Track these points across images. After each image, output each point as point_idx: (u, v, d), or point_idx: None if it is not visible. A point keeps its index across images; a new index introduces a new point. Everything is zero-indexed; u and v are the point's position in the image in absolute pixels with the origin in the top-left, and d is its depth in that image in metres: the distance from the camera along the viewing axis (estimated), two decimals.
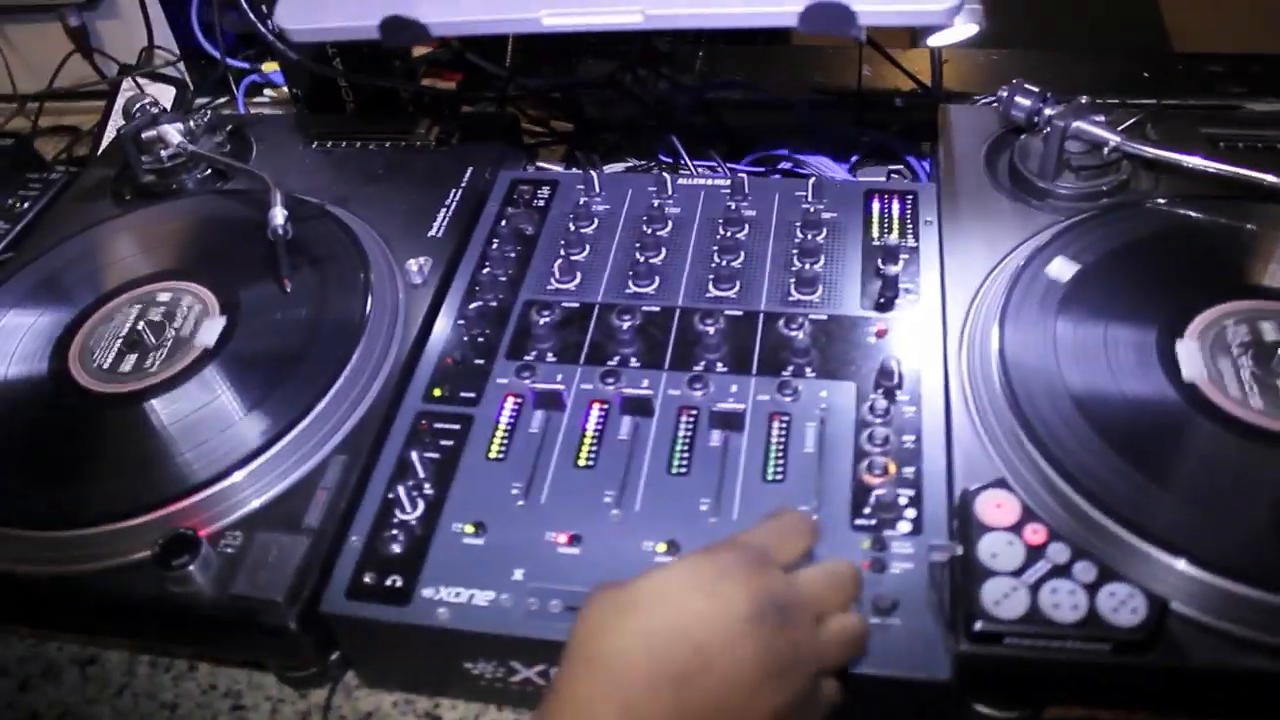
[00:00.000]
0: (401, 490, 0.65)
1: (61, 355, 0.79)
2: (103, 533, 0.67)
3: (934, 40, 0.97)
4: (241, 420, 0.72)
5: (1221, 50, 1.03)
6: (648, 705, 0.47)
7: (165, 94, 1.13)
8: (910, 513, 0.62)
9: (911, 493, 0.62)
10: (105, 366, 0.78)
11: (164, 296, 0.82)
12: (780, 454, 0.65)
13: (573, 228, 0.82)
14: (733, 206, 0.82)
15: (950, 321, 0.71)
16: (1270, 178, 0.73)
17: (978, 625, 0.55)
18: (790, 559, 0.55)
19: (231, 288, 0.82)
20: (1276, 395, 0.63)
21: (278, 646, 0.65)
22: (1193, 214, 0.76)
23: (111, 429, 0.74)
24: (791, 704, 0.50)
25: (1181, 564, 0.56)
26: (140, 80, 1.16)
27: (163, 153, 0.94)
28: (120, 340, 0.80)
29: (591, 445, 0.68)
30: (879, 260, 0.75)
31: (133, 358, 0.78)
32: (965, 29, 0.92)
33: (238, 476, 0.68)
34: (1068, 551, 0.57)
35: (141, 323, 0.80)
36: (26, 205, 1.01)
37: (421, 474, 0.67)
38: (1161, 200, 0.78)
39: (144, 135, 0.94)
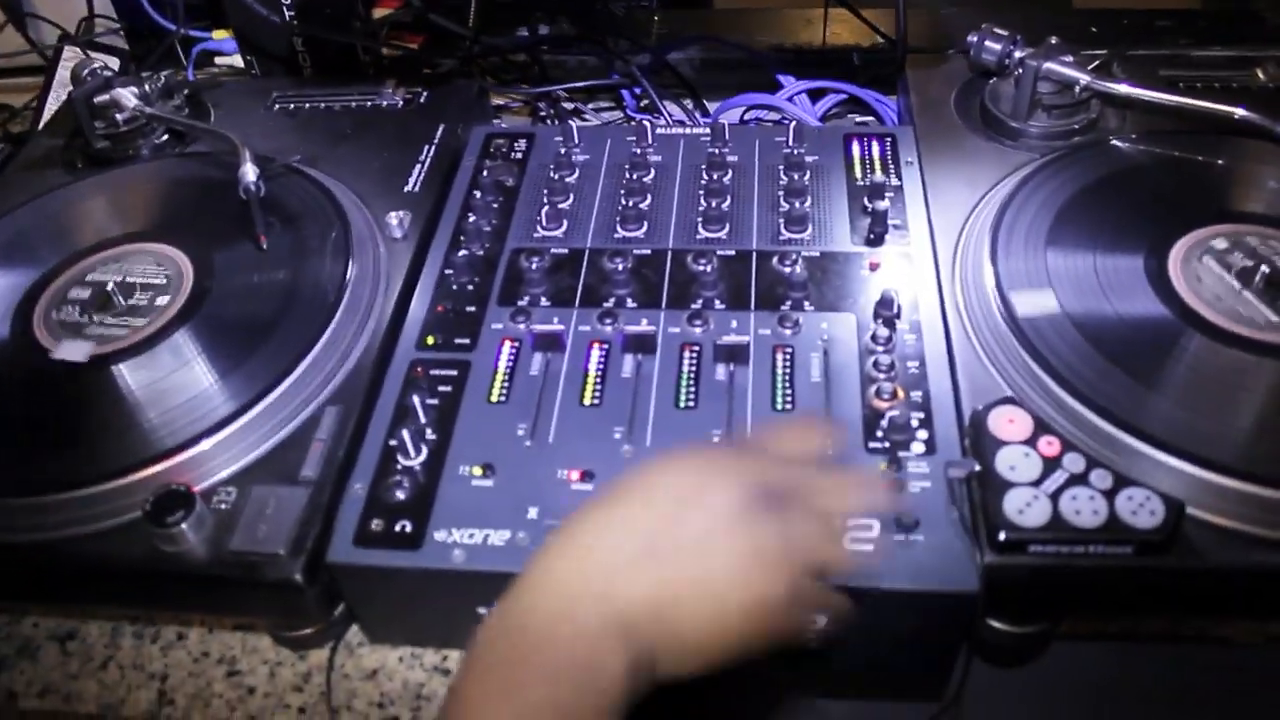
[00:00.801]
0: (406, 434, 0.64)
1: (25, 319, 0.76)
2: (87, 495, 0.64)
3: None
4: (225, 377, 0.70)
5: (1120, 7, 1.06)
6: (625, 588, 0.47)
7: (109, 65, 1.09)
8: (922, 434, 0.62)
9: (921, 415, 0.63)
10: (66, 322, 0.75)
11: (137, 260, 0.79)
12: (787, 384, 0.65)
13: (555, 176, 0.82)
14: (715, 152, 0.82)
15: (941, 255, 0.72)
16: (1239, 110, 0.76)
17: (1003, 535, 0.56)
18: (793, 453, 0.54)
19: (205, 249, 0.79)
20: (1254, 308, 0.65)
21: (282, 603, 0.63)
22: (1160, 149, 0.78)
23: (88, 393, 0.71)
24: (775, 597, 0.48)
25: (1189, 467, 0.57)
26: (83, 49, 1.12)
27: (118, 116, 0.91)
28: (89, 299, 0.76)
29: (596, 384, 0.67)
30: (865, 198, 0.76)
31: (103, 317, 0.75)
32: None
33: (226, 432, 0.66)
34: (1082, 461, 0.58)
35: (111, 284, 0.77)
36: None
37: (423, 419, 0.66)
38: (1133, 136, 0.80)
39: (96, 100, 0.91)
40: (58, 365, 0.72)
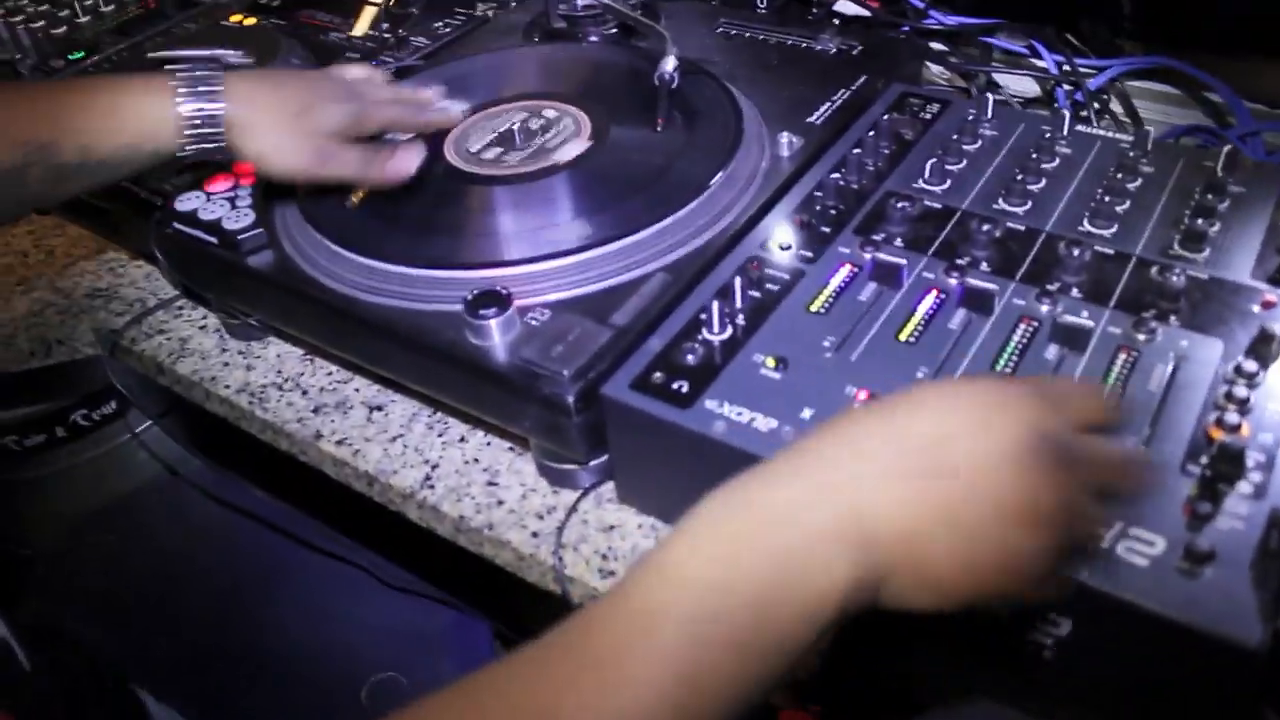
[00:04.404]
0: (715, 307, 0.65)
1: (441, 135, 0.85)
2: (429, 277, 0.71)
3: None
4: (580, 218, 0.75)
5: None
6: (873, 499, 0.44)
7: None
8: (1257, 476, 0.54)
9: (1263, 459, 0.55)
10: (473, 151, 0.82)
11: (548, 113, 0.86)
12: (1120, 383, 0.59)
13: (955, 138, 0.79)
14: (1131, 156, 0.76)
15: None
16: None
17: None
18: (1080, 417, 0.49)
19: (608, 119, 0.85)
20: None
21: (550, 422, 0.66)
22: None
23: (460, 200, 0.79)
24: (1035, 558, 0.44)
25: None
26: None
27: (578, 2, 0.99)
28: (495, 134, 0.84)
29: (919, 325, 0.64)
30: None
31: (498, 150, 0.82)
32: None
33: (561, 262, 0.71)
34: None
35: (518, 124, 0.84)
36: (448, 30, 1.08)
37: (738, 304, 0.67)
38: None
39: None
40: (452, 172, 0.80)
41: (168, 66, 0.73)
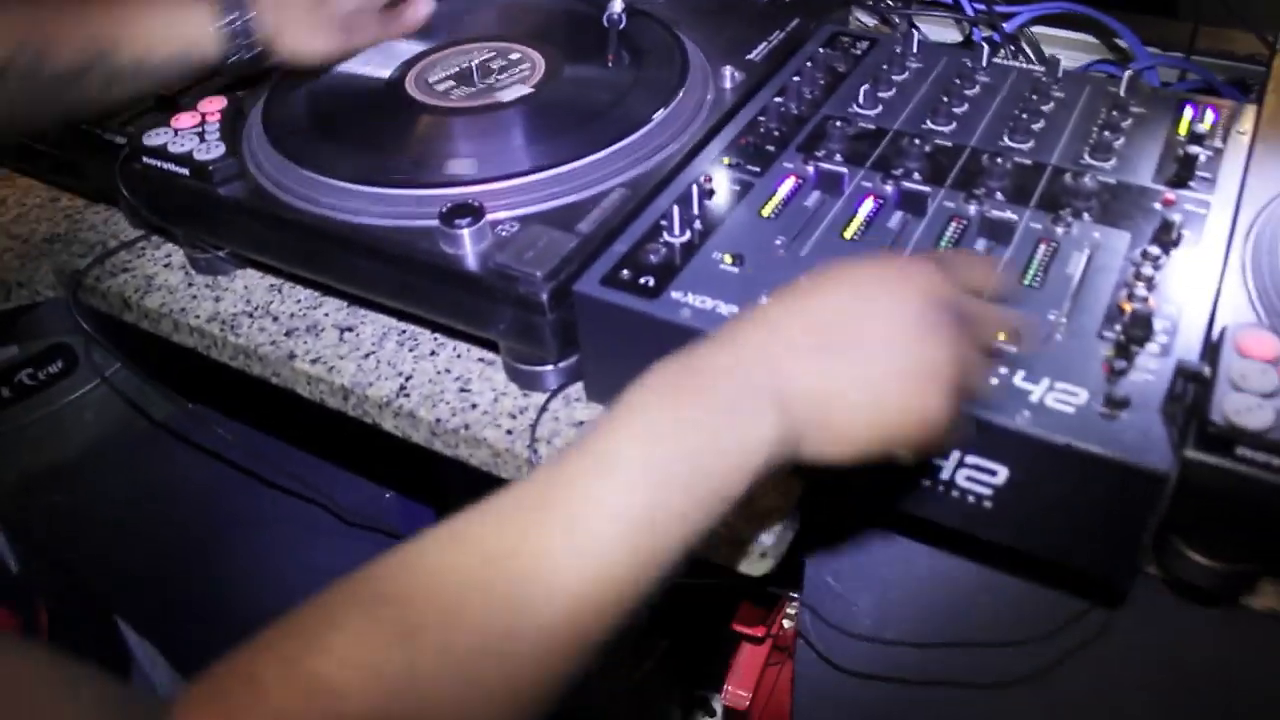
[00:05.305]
0: (676, 210, 0.70)
1: (405, 69, 0.90)
2: (402, 195, 0.76)
3: None
4: (540, 141, 0.80)
5: None
6: (792, 366, 0.51)
7: None
8: (1164, 338, 0.61)
9: (1168, 324, 0.62)
10: (433, 84, 0.87)
11: (516, 58, 0.91)
12: (1042, 268, 0.66)
13: (885, 68, 0.86)
14: (1044, 82, 0.84)
15: (1242, 215, 0.70)
16: None
17: (1212, 426, 0.54)
18: (970, 283, 0.57)
19: (561, 58, 0.90)
20: None
21: (525, 323, 0.71)
22: None
23: (421, 129, 0.84)
24: (932, 410, 0.51)
25: None
26: None
27: None
28: (458, 70, 0.89)
29: (861, 226, 0.71)
30: (1181, 147, 0.75)
31: (456, 85, 0.88)
32: None
33: (526, 179, 0.76)
34: None
35: (476, 62, 0.89)
36: None
37: (695, 210, 0.72)
38: None
39: None
40: (416, 104, 0.85)
41: None
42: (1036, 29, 1.05)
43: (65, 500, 1.25)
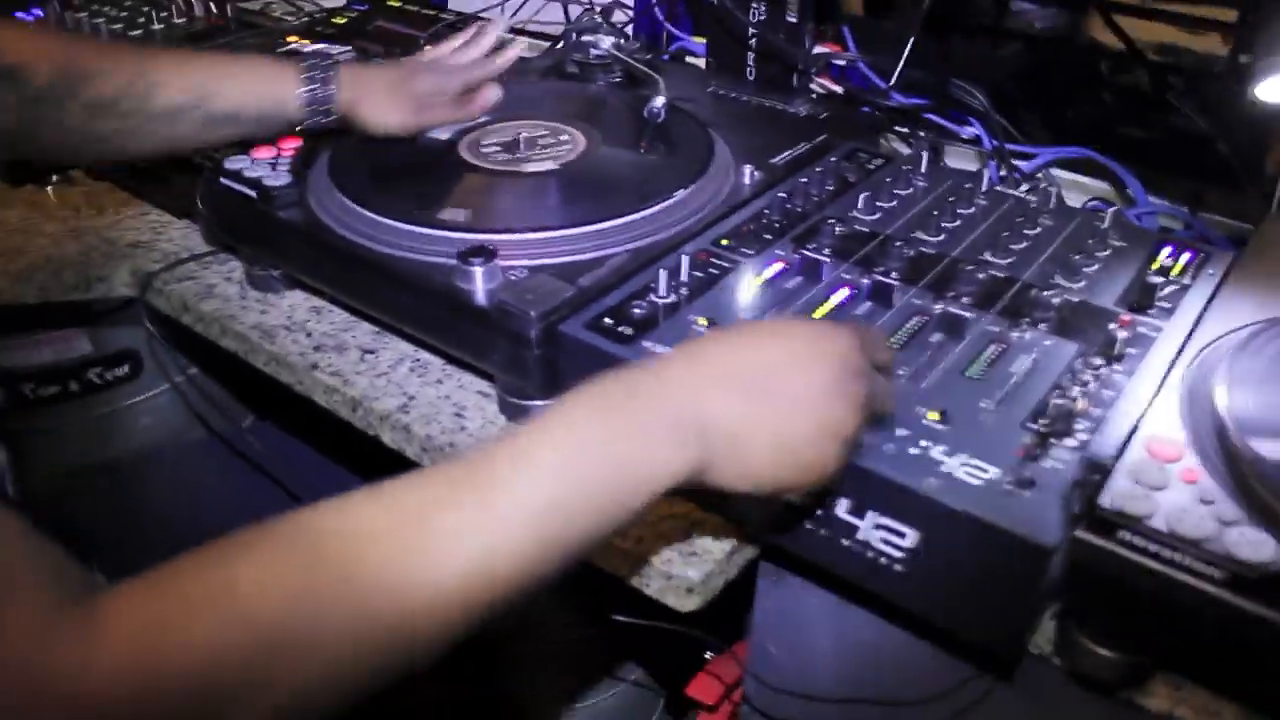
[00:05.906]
0: (663, 275, 0.77)
1: (464, 133, 1.00)
2: (431, 234, 0.85)
3: None
4: (562, 205, 0.89)
5: None
6: (716, 403, 0.57)
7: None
8: (1082, 436, 0.66)
9: (1091, 425, 0.66)
10: (483, 149, 0.97)
11: (563, 137, 1.01)
12: (988, 366, 0.71)
13: (890, 181, 0.93)
14: (1035, 207, 0.90)
15: (1191, 345, 0.74)
16: None
17: (1099, 510, 0.58)
18: (874, 356, 0.64)
19: (601, 140, 1.00)
20: None
21: (514, 354, 0.78)
22: None
23: (460, 183, 0.94)
24: (830, 466, 0.59)
25: None
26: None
27: (592, 51, 1.15)
28: (505, 140, 0.99)
29: (830, 310, 0.77)
30: (1147, 276, 0.80)
31: (498, 150, 0.97)
32: None
33: (542, 235, 0.84)
34: (1219, 493, 0.59)
35: (524, 135, 0.99)
36: None
37: (684, 278, 0.79)
38: None
39: (583, 37, 1.16)
40: (462, 163, 0.95)
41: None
42: (1056, 171, 1.11)
43: (107, 500, 1.34)
